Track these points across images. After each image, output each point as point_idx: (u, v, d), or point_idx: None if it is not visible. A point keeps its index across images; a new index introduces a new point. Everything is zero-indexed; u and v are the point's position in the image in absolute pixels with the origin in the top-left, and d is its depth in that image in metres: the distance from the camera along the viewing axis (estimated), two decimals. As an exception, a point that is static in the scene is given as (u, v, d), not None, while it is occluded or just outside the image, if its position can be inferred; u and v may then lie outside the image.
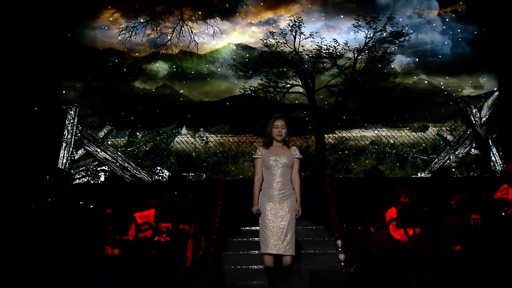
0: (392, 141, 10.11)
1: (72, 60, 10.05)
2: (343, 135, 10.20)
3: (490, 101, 10.04)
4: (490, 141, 9.88)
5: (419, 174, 9.93)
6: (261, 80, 10.27)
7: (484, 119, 9.97)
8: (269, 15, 10.55)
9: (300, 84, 10.22)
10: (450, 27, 10.28)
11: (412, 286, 3.91)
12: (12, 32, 8.68)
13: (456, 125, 10.10)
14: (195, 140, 10.24)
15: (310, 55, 10.21)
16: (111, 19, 10.47)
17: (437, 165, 9.92)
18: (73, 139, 10.00)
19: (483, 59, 10.00)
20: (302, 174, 9.48)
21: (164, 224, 6.25)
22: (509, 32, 9.35)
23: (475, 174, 9.80)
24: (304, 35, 10.23)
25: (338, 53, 10.17)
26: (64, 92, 10.16)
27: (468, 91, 10.14)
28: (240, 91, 10.30)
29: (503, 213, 6.03)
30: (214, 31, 10.37)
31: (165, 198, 6.66)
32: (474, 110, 10.02)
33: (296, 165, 4.83)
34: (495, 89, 10.04)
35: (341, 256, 6.41)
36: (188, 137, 10.27)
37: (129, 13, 10.44)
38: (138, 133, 10.28)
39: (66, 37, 10.01)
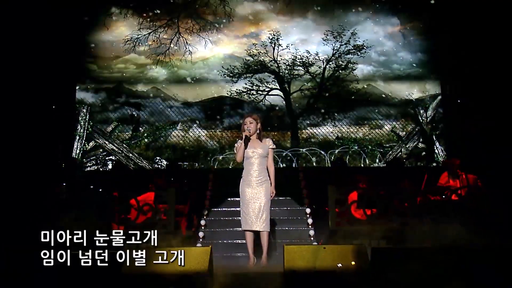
0: (354, 136, 10.16)
1: (85, 66, 9.99)
2: (314, 131, 10.23)
3: (434, 103, 10.14)
4: (434, 136, 10.00)
5: (376, 164, 10.01)
6: (245, 84, 10.25)
7: (429, 118, 10.09)
8: (252, 29, 10.51)
9: (278, 88, 10.24)
10: (407, 41, 10.29)
11: (367, 257, 3.94)
12: (38, 45, 8.55)
13: (406, 123, 10.19)
14: (189, 134, 10.19)
15: (287, 63, 10.22)
16: (118, 31, 10.33)
17: (391, 156, 10.01)
18: (85, 133, 9.89)
19: (430, 68, 10.10)
20: (280, 165, 9.56)
21: (161, 205, 6.20)
22: (451, 46, 9.44)
23: (422, 164, 9.91)
24: (282, 46, 10.24)
25: (310, 62, 10.20)
26: (78, 93, 10.03)
27: (416, 95, 10.23)
28: (227, 94, 10.27)
29: (444, 196, 6.09)
30: (205, 42, 10.30)
31: (160, 184, 6.60)
32: (421, 111, 10.13)
33: (270, 154, 4.83)
34: (439, 93, 10.14)
35: (311, 232, 6.42)
36: (183, 132, 10.20)
37: (134, 26, 10.31)
38: (140, 128, 10.19)
39: (82, 47, 9.91)
